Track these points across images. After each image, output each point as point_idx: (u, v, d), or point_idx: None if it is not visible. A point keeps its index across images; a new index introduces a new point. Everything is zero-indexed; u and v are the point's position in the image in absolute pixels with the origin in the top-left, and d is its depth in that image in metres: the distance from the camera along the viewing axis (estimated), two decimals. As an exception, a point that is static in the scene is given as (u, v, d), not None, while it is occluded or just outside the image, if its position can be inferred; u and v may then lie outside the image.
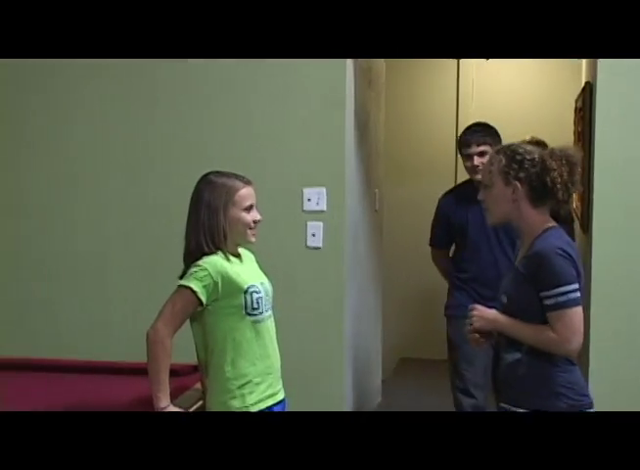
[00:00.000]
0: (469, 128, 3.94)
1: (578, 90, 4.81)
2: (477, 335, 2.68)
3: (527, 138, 2.85)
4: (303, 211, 3.97)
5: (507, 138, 5.55)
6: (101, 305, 4.28)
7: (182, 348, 2.68)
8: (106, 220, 4.25)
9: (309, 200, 3.97)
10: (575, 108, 4.90)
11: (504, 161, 2.60)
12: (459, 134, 3.97)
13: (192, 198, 2.67)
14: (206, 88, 4.14)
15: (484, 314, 2.65)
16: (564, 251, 2.52)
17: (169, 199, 4.14)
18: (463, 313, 3.35)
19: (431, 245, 4.16)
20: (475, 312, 2.67)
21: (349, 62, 4.06)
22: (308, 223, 3.97)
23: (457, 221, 3.91)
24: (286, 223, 3.96)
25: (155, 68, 4.08)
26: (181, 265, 2.64)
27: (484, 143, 3.82)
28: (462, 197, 3.91)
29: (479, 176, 3.60)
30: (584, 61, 4.89)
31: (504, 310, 2.63)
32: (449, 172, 5.16)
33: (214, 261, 2.58)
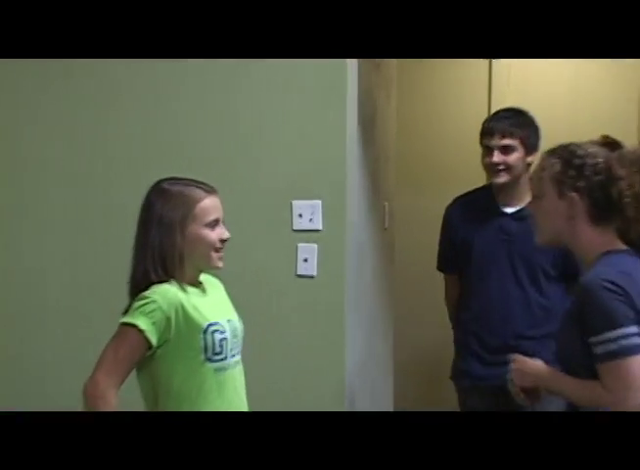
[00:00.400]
0: (496, 113, 3.56)
1: None
2: (521, 394, 2.57)
3: (596, 138, 2.56)
4: (293, 229, 3.69)
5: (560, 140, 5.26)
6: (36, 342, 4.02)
7: (130, 401, 2.49)
8: (47, 233, 4.00)
9: (301, 215, 3.70)
10: None
11: (559, 166, 2.42)
12: (483, 121, 3.60)
13: (140, 212, 2.57)
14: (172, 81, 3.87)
15: (525, 368, 2.54)
16: (614, 283, 2.28)
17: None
18: (471, 383, 3.53)
19: (439, 269, 3.81)
20: (515, 365, 2.55)
21: None
22: (299, 245, 3.69)
23: (460, 238, 3.58)
24: (270, 246, 3.72)
25: (122, 65, 3.85)
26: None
27: (512, 135, 3.39)
28: (472, 206, 3.58)
29: (500, 179, 3.40)
30: None
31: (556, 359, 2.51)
32: (478, 182, 4.73)
33: (165, 291, 2.47)
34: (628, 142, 4.71)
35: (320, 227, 3.67)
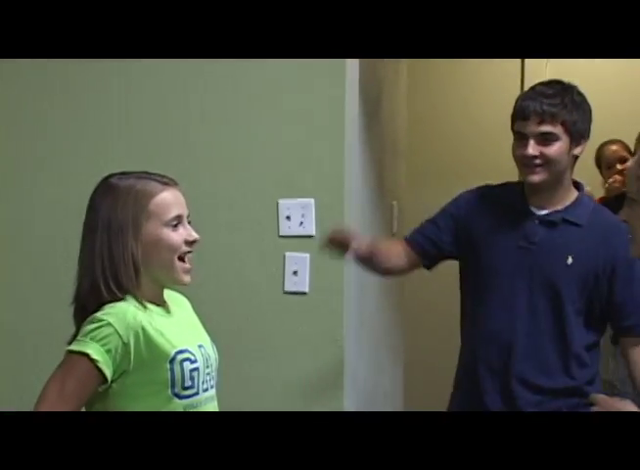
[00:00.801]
0: (532, 88, 2.96)
1: None
2: None
3: None
4: (280, 235, 3.43)
5: (607, 127, 4.54)
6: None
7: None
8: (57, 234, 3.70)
9: (288, 218, 3.43)
10: None
11: None
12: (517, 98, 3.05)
13: (85, 215, 2.38)
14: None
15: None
16: None
17: None
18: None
19: (406, 238, 3.23)
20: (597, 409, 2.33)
21: None
22: (287, 255, 3.43)
23: (467, 231, 3.07)
24: (252, 255, 3.46)
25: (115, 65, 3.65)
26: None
27: (553, 120, 2.85)
28: (495, 199, 3.08)
29: (535, 177, 2.87)
30: None
31: None
32: (504, 178, 4.46)
33: (123, 312, 2.27)
34: None
35: (313, 232, 3.39)
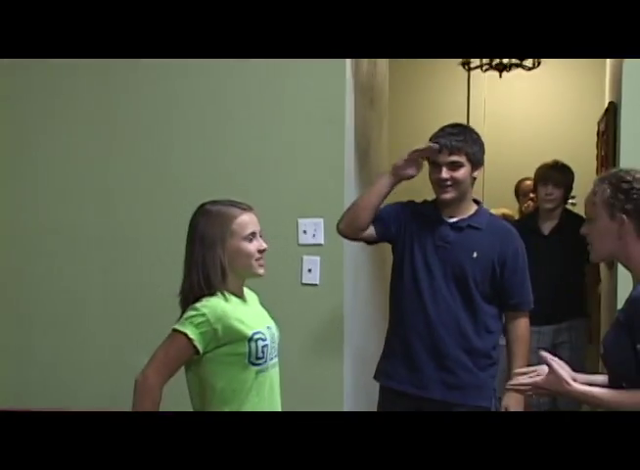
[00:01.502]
0: (442, 130, 3.25)
1: (601, 111, 4.67)
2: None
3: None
4: (299, 244, 3.81)
5: (523, 164, 5.46)
6: (77, 349, 4.15)
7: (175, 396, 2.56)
8: (83, 256, 4.12)
9: (305, 232, 3.81)
10: (598, 131, 4.77)
11: (609, 191, 2.41)
12: (430, 136, 3.31)
13: (188, 232, 2.58)
14: (192, 110, 4.01)
15: (552, 386, 2.42)
16: None
17: (155, 231, 4.05)
18: (395, 386, 3.25)
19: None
20: (553, 370, 2.41)
21: (349, 79, 3.87)
22: (304, 258, 3.82)
23: (403, 229, 3.30)
24: (279, 258, 3.68)
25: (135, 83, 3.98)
26: (166, 306, 2.59)
27: (459, 151, 3.16)
28: (418, 213, 3.33)
29: (447, 195, 3.19)
30: (607, 79, 4.78)
31: (603, 363, 2.48)
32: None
33: (214, 306, 2.48)
34: (586, 162, 4.92)
35: (322, 242, 3.80)
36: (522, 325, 3.23)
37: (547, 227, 4.47)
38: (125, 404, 2.46)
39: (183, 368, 2.57)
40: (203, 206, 2.61)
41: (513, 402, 3.14)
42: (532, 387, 2.47)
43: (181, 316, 2.51)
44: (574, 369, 2.46)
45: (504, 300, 3.22)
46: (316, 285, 3.81)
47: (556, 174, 4.42)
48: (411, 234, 3.26)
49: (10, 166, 4.15)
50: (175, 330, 2.49)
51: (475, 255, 3.18)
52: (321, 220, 3.81)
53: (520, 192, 5.39)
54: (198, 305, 2.49)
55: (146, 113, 4.01)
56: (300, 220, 3.83)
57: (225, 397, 2.52)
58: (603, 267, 4.37)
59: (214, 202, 2.61)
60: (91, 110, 4.05)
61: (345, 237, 3.39)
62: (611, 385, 2.40)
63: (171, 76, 3.91)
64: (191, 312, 2.48)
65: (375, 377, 3.40)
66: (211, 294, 2.51)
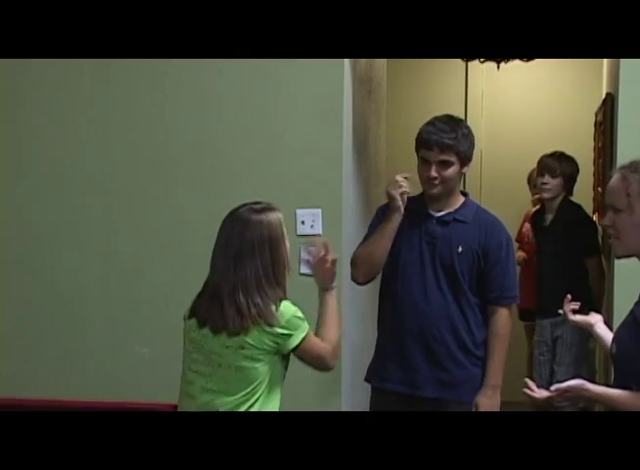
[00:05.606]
0: (433, 124, 3.16)
1: (599, 102, 4.71)
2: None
3: None
4: (297, 234, 3.78)
5: (521, 155, 5.55)
6: (78, 344, 4.14)
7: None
8: (83, 255, 4.13)
9: (303, 222, 3.83)
10: (595, 122, 4.82)
11: None
12: (420, 128, 3.23)
13: (254, 239, 2.66)
14: (189, 101, 4.04)
15: (567, 395, 2.38)
16: None
17: (154, 228, 4.07)
18: (388, 386, 3.23)
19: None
20: (552, 395, 2.39)
21: (347, 71, 3.90)
22: (302, 248, 3.70)
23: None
24: None
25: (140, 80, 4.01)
26: (166, 302, 2.80)
27: (450, 150, 3.11)
28: (405, 211, 3.25)
29: (434, 191, 3.18)
30: (605, 71, 4.83)
31: (613, 362, 2.44)
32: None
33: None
34: (584, 153, 4.93)
35: (320, 232, 3.83)
36: (501, 320, 3.19)
37: (548, 219, 4.47)
38: (126, 396, 2.49)
39: (182, 367, 2.65)
40: (258, 213, 2.67)
41: (484, 401, 3.14)
42: (555, 395, 2.41)
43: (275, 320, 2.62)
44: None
45: (484, 293, 3.20)
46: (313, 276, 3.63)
47: (552, 163, 4.39)
48: (401, 232, 3.24)
49: (10, 166, 4.18)
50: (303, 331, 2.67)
51: (460, 249, 3.19)
52: (319, 211, 3.85)
53: (532, 182, 5.28)
54: (293, 308, 2.68)
55: (144, 108, 4.03)
56: (298, 211, 3.86)
57: (271, 391, 2.65)
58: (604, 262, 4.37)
59: (264, 207, 2.69)
60: (90, 109, 4.09)
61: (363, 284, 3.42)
62: (617, 388, 2.33)
63: (170, 69, 3.95)
64: (300, 314, 2.68)
65: (366, 379, 3.39)
66: (282, 298, 2.67)
